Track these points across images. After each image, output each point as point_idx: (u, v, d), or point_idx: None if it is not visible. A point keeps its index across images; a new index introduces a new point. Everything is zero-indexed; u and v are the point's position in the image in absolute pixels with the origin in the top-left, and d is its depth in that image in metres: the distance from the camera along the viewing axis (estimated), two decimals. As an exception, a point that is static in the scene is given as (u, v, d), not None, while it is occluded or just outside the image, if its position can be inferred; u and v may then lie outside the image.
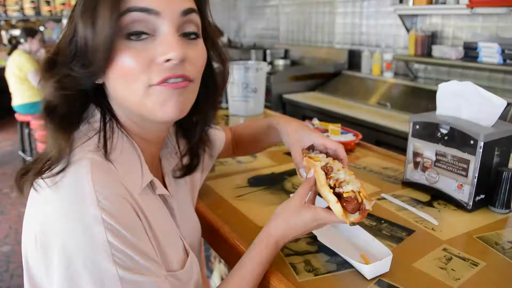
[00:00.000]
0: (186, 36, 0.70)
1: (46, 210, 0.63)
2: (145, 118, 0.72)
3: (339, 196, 0.79)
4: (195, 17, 0.71)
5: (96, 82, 0.70)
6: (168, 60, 0.65)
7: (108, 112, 0.74)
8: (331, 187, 0.80)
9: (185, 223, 0.90)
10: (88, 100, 0.73)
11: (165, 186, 0.87)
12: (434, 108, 1.21)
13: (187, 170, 0.94)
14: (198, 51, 0.72)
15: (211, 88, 0.86)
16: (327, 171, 0.84)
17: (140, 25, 0.65)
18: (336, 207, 0.77)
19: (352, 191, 0.78)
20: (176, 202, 0.86)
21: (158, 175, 0.88)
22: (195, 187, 1.04)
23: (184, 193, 0.97)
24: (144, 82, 0.66)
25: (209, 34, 0.79)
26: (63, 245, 0.61)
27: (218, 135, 1.14)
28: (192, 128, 0.90)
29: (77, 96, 0.70)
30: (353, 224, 0.98)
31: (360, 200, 0.78)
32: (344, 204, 0.78)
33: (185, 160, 0.93)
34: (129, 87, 0.67)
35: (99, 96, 0.73)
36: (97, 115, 0.73)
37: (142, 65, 0.65)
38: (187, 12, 0.69)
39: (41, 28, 7.91)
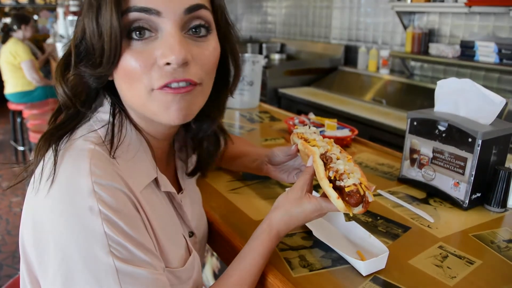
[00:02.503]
0: (195, 33, 0.67)
1: (44, 200, 0.62)
2: (144, 117, 0.72)
3: (339, 188, 0.78)
4: (205, 13, 0.67)
5: (109, 79, 0.69)
6: (168, 64, 0.63)
7: (118, 106, 0.72)
8: (330, 180, 0.79)
9: (196, 219, 0.91)
10: (99, 92, 0.73)
11: (178, 181, 0.87)
12: (429, 106, 1.20)
13: (196, 169, 0.93)
14: (207, 50, 0.68)
15: (221, 86, 0.82)
16: (326, 161, 0.82)
17: (142, 25, 0.63)
18: (338, 203, 0.76)
19: (354, 184, 0.77)
20: (187, 198, 0.87)
21: (171, 170, 0.87)
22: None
23: (194, 187, 0.97)
24: (146, 86, 0.64)
25: (222, 29, 0.75)
26: (59, 235, 0.60)
27: None
28: (198, 127, 0.87)
29: (89, 91, 0.70)
30: (348, 219, 0.98)
31: (362, 193, 0.76)
32: (347, 198, 0.76)
33: (194, 158, 0.93)
34: (132, 89, 0.66)
35: (110, 89, 0.72)
36: (107, 106, 0.72)
37: (144, 67, 0.63)
38: (193, 9, 0.65)
39: (35, 17, 7.83)
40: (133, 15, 0.62)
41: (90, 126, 0.70)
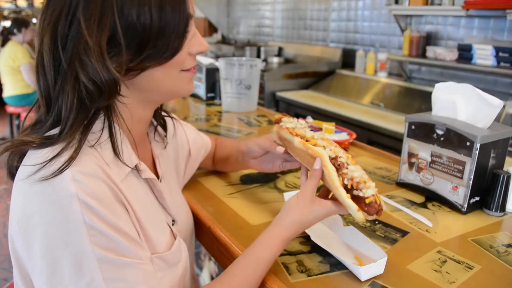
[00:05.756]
0: None
1: (28, 193, 0.64)
2: (166, 99, 0.84)
3: (356, 197, 0.77)
4: None
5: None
6: (200, 52, 0.80)
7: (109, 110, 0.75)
8: (347, 189, 0.77)
9: (176, 207, 0.93)
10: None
11: (155, 169, 0.91)
12: (427, 109, 1.20)
13: (165, 134, 0.99)
14: None
15: None
16: (338, 167, 0.80)
17: (189, 26, 0.76)
18: (358, 215, 0.76)
19: (373, 195, 0.76)
20: (166, 186, 0.90)
21: (148, 158, 0.91)
22: (179, 175, 1.09)
23: (173, 177, 1.00)
24: (178, 69, 0.78)
25: None
26: (43, 226, 0.62)
27: (205, 141, 1.22)
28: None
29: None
30: (347, 224, 0.97)
31: (378, 202, 0.76)
32: (366, 209, 0.76)
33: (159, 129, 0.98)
34: (170, 74, 0.77)
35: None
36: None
37: (185, 57, 0.77)
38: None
39: (34, 20, 7.81)
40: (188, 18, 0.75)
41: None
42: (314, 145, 0.85)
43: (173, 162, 1.04)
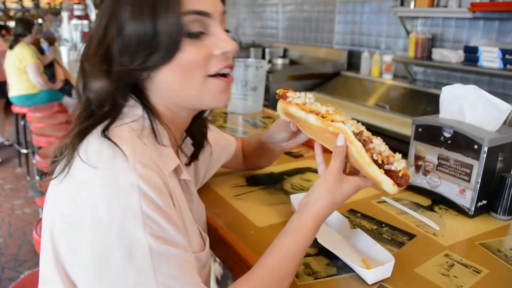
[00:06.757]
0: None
1: (85, 179, 0.64)
2: (192, 106, 0.80)
3: (388, 171, 0.76)
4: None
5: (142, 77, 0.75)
6: (224, 53, 0.76)
7: (145, 101, 0.77)
8: (378, 164, 0.76)
9: (198, 210, 0.94)
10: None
11: None
12: (432, 111, 1.19)
13: (192, 157, 0.97)
14: None
15: None
16: (364, 142, 0.77)
17: (198, 25, 0.74)
18: (394, 189, 0.75)
19: (403, 167, 0.76)
20: (193, 188, 0.91)
21: None
22: (198, 177, 1.09)
23: (192, 179, 1.00)
24: (202, 74, 0.75)
25: None
26: (97, 214, 0.62)
27: (230, 142, 1.21)
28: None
29: (122, 89, 0.74)
30: (353, 227, 0.97)
31: (408, 173, 0.76)
32: (398, 181, 0.75)
33: (188, 145, 0.98)
34: (188, 78, 0.75)
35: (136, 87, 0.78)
36: (131, 102, 0.76)
37: (204, 58, 0.74)
38: (224, 12, 0.79)
39: (40, 21, 7.85)
40: (189, 16, 0.72)
41: (122, 120, 0.73)
42: (332, 121, 0.82)
43: (192, 164, 1.02)
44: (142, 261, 0.61)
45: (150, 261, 0.61)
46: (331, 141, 0.81)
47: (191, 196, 0.87)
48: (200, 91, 0.76)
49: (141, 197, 0.62)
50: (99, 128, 0.69)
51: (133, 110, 0.75)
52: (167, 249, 0.63)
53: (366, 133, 0.79)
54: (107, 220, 0.61)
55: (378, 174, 0.75)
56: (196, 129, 0.96)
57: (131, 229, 0.61)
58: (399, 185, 0.75)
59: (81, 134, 0.69)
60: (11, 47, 4.43)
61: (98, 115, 0.72)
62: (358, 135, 0.78)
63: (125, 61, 0.71)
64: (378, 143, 0.77)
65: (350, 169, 0.86)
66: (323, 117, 0.83)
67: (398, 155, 0.77)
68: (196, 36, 0.73)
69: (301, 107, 0.86)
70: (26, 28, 4.52)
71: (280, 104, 0.91)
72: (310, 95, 0.89)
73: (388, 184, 0.75)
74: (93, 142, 0.67)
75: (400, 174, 0.75)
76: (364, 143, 0.77)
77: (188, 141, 0.97)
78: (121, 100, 0.73)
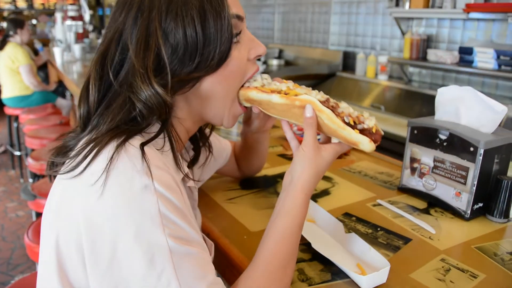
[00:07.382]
0: None
1: (97, 192, 0.61)
2: (209, 120, 0.81)
3: (361, 130, 0.77)
4: None
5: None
6: (257, 56, 0.79)
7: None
8: (350, 126, 0.76)
9: (198, 216, 0.94)
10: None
11: None
12: (428, 112, 1.18)
13: (193, 162, 0.97)
14: None
15: None
16: (332, 108, 0.77)
17: (235, 29, 0.74)
18: (371, 146, 0.75)
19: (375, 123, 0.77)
20: (197, 195, 0.91)
21: None
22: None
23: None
24: (240, 80, 0.79)
25: None
26: (114, 218, 0.60)
27: (225, 146, 1.20)
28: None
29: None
30: (348, 231, 0.95)
31: (379, 128, 0.77)
32: (373, 138, 0.75)
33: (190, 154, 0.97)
34: (230, 84, 0.77)
35: None
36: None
37: (244, 64, 0.77)
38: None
39: (34, 21, 7.81)
40: (232, 21, 0.72)
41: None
42: (295, 95, 0.80)
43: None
44: (163, 262, 0.60)
45: (171, 261, 0.60)
46: (299, 115, 0.79)
47: (195, 203, 0.87)
48: (227, 109, 0.80)
49: (158, 198, 0.61)
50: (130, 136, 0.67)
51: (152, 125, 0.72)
52: (186, 249, 0.62)
53: (332, 100, 0.80)
54: (124, 224, 0.60)
55: (354, 135, 0.75)
56: (201, 135, 0.98)
57: (150, 232, 0.60)
58: (374, 141, 0.76)
59: (115, 139, 0.66)
60: (0, 48, 4.38)
61: (137, 123, 0.69)
62: (325, 102, 0.77)
63: (175, 70, 0.69)
64: (346, 106, 0.78)
65: (320, 141, 0.84)
66: (286, 94, 0.81)
67: (366, 113, 0.78)
68: (237, 41, 0.74)
69: (260, 89, 0.82)
70: (12, 28, 4.47)
71: (240, 93, 0.84)
72: (266, 75, 0.86)
73: (365, 142, 0.75)
74: (112, 146, 0.65)
75: (373, 131, 0.76)
76: (333, 109, 0.77)
77: (188, 145, 0.96)
78: (167, 114, 0.71)
